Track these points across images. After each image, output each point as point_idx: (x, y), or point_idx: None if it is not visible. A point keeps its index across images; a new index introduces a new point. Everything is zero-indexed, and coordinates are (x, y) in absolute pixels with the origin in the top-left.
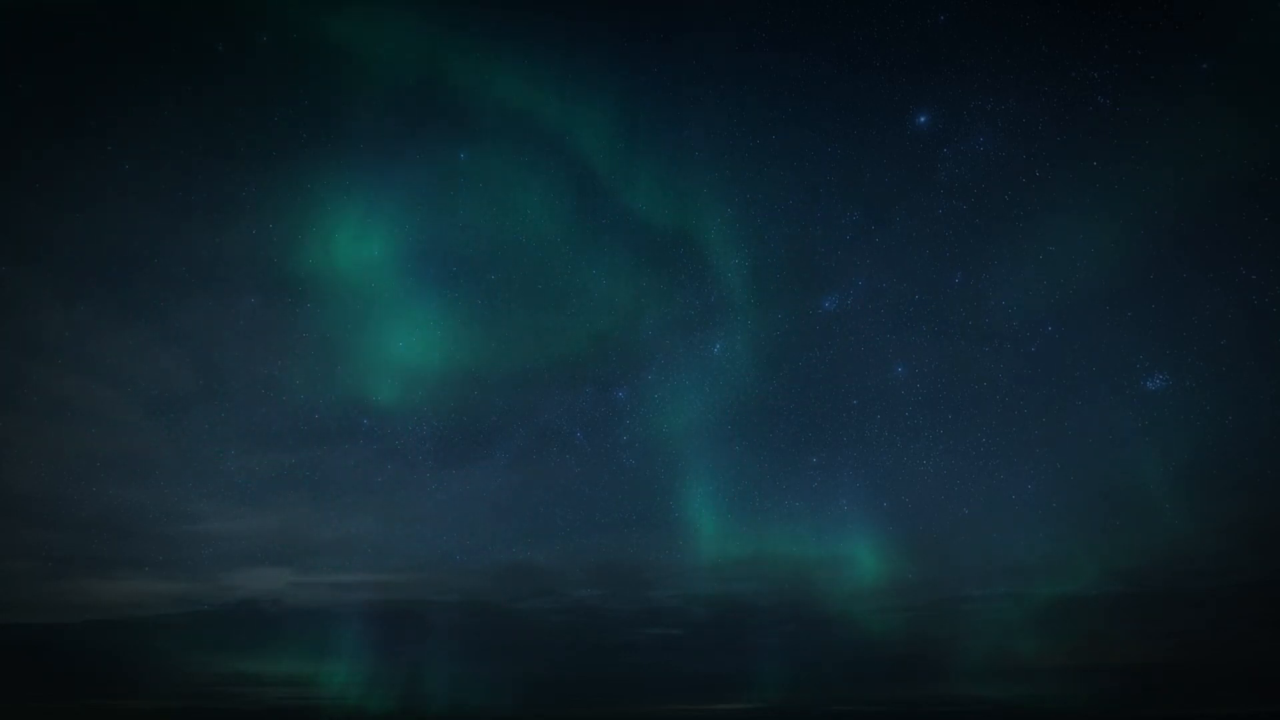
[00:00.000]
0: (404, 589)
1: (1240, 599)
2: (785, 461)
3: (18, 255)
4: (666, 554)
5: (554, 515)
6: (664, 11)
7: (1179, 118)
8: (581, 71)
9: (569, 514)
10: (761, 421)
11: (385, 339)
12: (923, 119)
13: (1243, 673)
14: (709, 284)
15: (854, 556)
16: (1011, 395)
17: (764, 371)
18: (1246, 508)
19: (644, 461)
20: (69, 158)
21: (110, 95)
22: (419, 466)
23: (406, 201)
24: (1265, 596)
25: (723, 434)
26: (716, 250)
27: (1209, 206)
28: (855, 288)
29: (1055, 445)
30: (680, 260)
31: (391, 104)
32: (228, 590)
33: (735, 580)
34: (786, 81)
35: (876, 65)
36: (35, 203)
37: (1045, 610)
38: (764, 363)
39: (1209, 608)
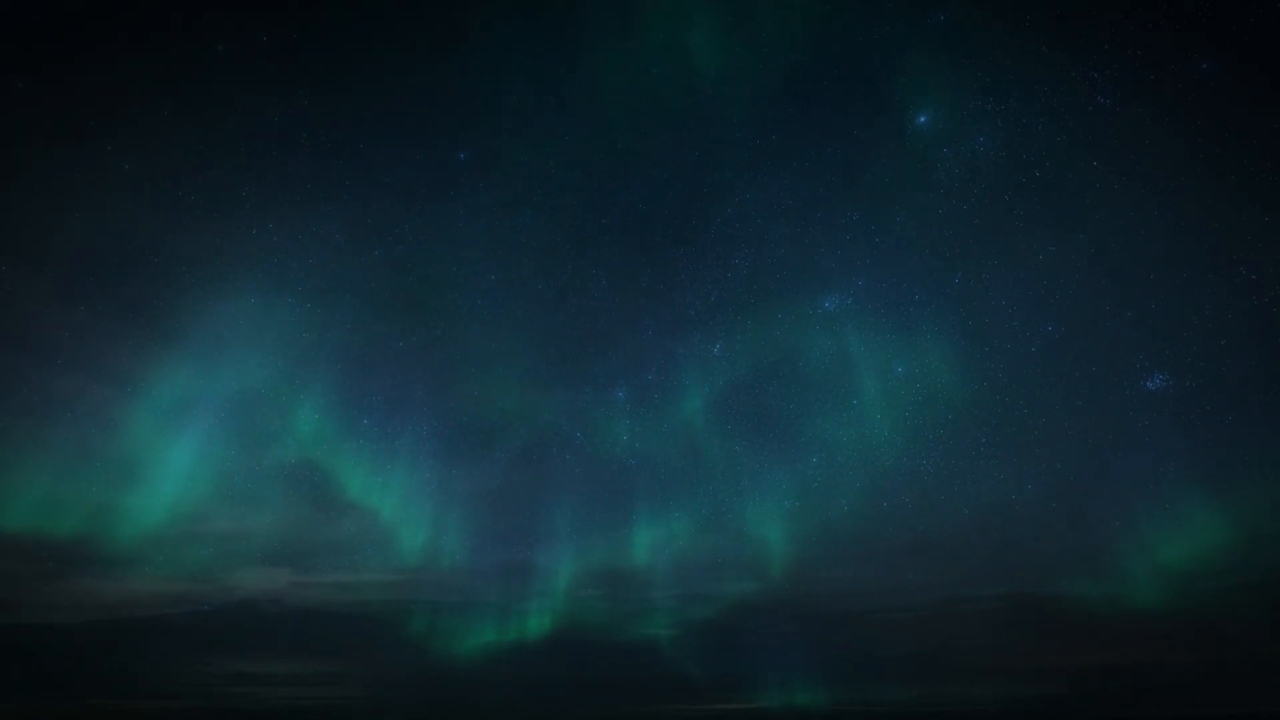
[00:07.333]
0: (404, 589)
1: (1241, 599)
2: (785, 461)
3: (18, 255)
4: (667, 554)
5: (554, 515)
6: (665, 12)
7: (1179, 118)
8: (585, 69)
9: (569, 514)
10: (761, 421)
11: (385, 339)
12: (923, 119)
13: (1242, 673)
14: (709, 284)
15: (854, 557)
16: (1011, 395)
17: (764, 371)
18: (1246, 508)
19: (644, 461)
20: (69, 158)
21: (110, 95)
22: (419, 466)
23: (407, 201)
24: (1265, 597)
25: (722, 434)
26: (716, 250)
27: (1209, 206)
28: (855, 288)
29: (1055, 445)
30: (680, 260)
31: (393, 103)
32: (228, 590)
33: (734, 580)
34: (786, 81)
35: (876, 65)
36: (35, 203)
37: (1046, 609)
38: (764, 363)
39: (1209, 608)
